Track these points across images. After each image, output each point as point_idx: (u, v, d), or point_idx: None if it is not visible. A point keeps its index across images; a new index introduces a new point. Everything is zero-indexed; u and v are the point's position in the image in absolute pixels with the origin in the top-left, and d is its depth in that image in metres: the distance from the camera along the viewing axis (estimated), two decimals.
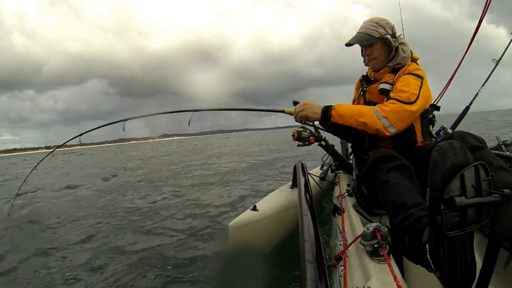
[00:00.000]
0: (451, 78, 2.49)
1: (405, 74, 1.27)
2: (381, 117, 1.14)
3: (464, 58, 2.46)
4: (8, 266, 2.12)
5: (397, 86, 1.23)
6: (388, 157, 1.07)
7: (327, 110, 1.22)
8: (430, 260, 0.65)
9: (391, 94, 1.21)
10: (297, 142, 1.41)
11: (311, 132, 1.42)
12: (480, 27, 2.26)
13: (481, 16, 2.18)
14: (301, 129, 1.40)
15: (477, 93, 2.26)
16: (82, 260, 2.12)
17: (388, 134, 1.16)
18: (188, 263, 1.93)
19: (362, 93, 1.41)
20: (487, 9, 2.12)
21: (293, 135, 1.40)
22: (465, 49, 2.44)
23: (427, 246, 0.66)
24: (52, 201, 4.58)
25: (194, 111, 1.80)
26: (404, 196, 0.89)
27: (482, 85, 2.27)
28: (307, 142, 1.41)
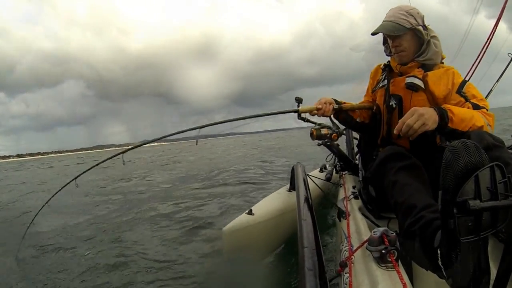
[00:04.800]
0: (469, 77, 2.42)
1: (468, 83, 1.20)
2: (488, 125, 1.06)
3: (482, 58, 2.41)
4: None
5: (474, 94, 1.16)
6: (398, 156, 1.02)
7: (443, 115, 1.05)
8: (442, 267, 0.63)
9: (477, 102, 1.14)
10: (317, 141, 1.38)
11: (330, 128, 1.38)
12: (480, 22, 2.22)
13: (500, 14, 2.14)
14: (317, 126, 1.36)
15: (491, 89, 2.22)
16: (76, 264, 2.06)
17: None
18: (181, 268, 1.89)
19: (385, 84, 1.31)
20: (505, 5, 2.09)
21: (311, 134, 1.37)
22: (482, 48, 2.39)
23: (439, 251, 0.63)
24: None
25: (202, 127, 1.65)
26: (415, 198, 0.85)
27: (497, 81, 2.24)
28: (328, 140, 1.37)
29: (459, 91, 1.16)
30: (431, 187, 0.98)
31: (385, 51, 1.40)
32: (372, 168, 1.13)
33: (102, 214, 3.67)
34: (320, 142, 1.38)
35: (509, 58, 2.16)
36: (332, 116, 1.40)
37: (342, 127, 1.48)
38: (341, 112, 1.40)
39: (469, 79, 2.36)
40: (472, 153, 0.55)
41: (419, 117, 0.95)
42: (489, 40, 2.28)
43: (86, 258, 2.19)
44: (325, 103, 1.34)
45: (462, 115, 1.03)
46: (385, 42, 1.37)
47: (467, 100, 1.14)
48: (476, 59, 2.37)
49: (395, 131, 0.98)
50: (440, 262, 0.63)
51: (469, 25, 2.23)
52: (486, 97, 2.17)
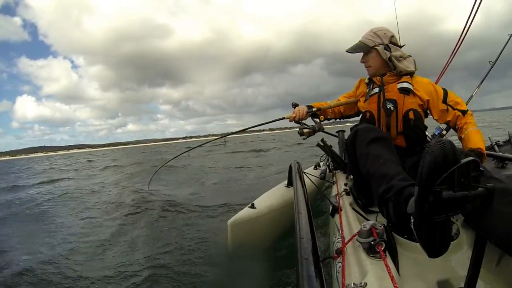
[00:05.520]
0: (439, 77, 2.47)
1: (448, 91, 1.36)
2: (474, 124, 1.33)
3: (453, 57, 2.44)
4: None
5: (456, 101, 1.35)
6: (369, 129, 1.15)
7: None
8: (414, 231, 0.71)
9: (462, 108, 1.34)
10: (303, 136, 1.63)
11: (309, 127, 1.62)
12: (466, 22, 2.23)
13: (470, 13, 2.16)
14: (301, 127, 1.62)
15: (472, 95, 2.27)
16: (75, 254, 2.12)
17: None
18: (189, 258, 1.96)
19: (377, 92, 1.42)
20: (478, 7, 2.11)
21: (298, 132, 1.63)
22: (454, 46, 2.42)
23: (412, 219, 0.71)
24: None
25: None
26: (385, 167, 0.94)
27: (477, 87, 2.28)
28: (306, 136, 1.64)
29: (444, 101, 1.33)
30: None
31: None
32: (347, 140, 1.26)
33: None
34: (305, 137, 1.63)
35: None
36: (311, 118, 1.66)
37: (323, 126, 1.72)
38: (316, 115, 1.67)
39: (440, 77, 2.46)
40: (448, 152, 0.61)
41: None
42: (458, 44, 2.30)
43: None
44: (298, 110, 1.61)
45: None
46: None
47: (453, 108, 1.32)
48: (447, 62, 2.43)
49: None
50: (412, 226, 0.71)
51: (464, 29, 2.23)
52: (468, 101, 2.26)
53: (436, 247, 0.69)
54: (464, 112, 1.34)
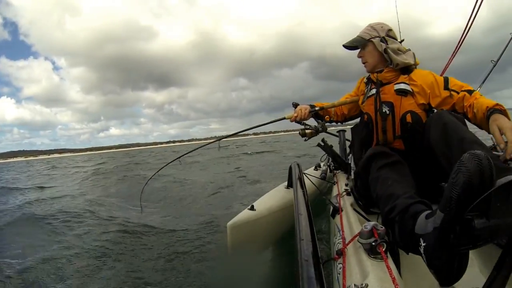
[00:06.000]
0: (442, 73, 2.45)
1: (450, 77, 1.26)
2: None
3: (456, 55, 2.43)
4: None
5: (460, 85, 1.21)
6: (382, 154, 1.10)
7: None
8: (423, 255, 0.66)
9: (469, 88, 1.19)
10: (305, 138, 1.61)
11: (311, 128, 1.59)
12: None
13: (473, 10, 2.14)
14: (303, 127, 1.59)
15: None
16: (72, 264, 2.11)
17: None
18: (188, 260, 1.96)
19: (374, 93, 1.36)
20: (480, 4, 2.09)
21: (299, 133, 1.60)
22: (456, 44, 2.40)
23: (422, 241, 0.66)
24: None
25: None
26: (392, 188, 0.91)
27: (479, 86, 2.26)
28: (308, 136, 1.60)
29: (446, 87, 1.22)
30: (421, 182, 1.05)
31: None
32: (359, 166, 1.20)
33: None
34: (307, 138, 1.60)
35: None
36: (313, 118, 1.61)
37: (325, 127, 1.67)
38: (318, 115, 1.61)
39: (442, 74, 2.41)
40: (485, 170, 0.49)
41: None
42: (461, 39, 2.28)
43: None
44: (300, 109, 1.54)
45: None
46: None
47: (457, 92, 1.19)
48: (451, 56, 2.41)
49: (507, 156, 0.87)
50: (421, 250, 0.66)
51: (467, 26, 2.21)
52: None
53: (451, 277, 0.61)
54: (470, 92, 1.17)
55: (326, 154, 2.18)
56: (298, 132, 1.62)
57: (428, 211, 0.73)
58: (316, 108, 1.58)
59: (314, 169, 2.51)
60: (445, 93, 1.21)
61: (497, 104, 1.03)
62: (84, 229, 2.98)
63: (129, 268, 1.93)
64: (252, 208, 1.48)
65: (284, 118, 1.64)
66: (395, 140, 1.29)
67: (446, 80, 1.24)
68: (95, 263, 2.06)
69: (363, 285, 0.66)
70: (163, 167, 2.22)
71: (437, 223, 0.57)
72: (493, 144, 2.19)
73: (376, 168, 1.05)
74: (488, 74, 2.24)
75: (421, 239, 0.66)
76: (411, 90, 1.27)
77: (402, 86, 1.28)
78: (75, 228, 3.06)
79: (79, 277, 1.86)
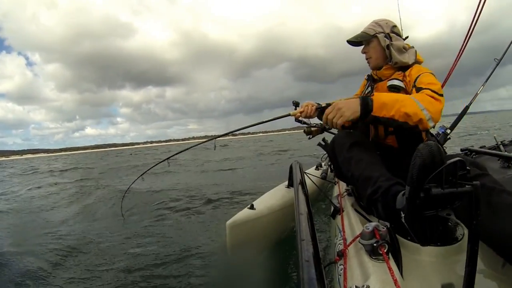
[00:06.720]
0: (448, 75, 2.43)
1: (424, 73, 1.21)
2: (423, 108, 1.02)
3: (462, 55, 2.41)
4: None
5: (423, 80, 1.16)
6: (348, 134, 1.20)
7: (366, 102, 1.04)
8: (405, 223, 0.76)
9: (422, 86, 1.13)
10: (309, 136, 1.60)
11: (317, 126, 1.58)
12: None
13: (477, 9, 2.11)
14: (308, 125, 1.58)
15: (477, 93, 2.23)
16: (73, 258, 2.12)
17: (428, 127, 1.07)
18: (186, 261, 1.94)
19: (369, 90, 1.40)
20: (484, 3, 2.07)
21: (304, 131, 1.59)
22: (461, 45, 2.38)
23: (402, 214, 0.77)
24: None
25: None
26: (370, 170, 1.02)
27: (482, 85, 2.24)
28: (314, 135, 1.60)
29: (414, 84, 1.19)
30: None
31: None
32: (329, 147, 1.28)
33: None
34: (311, 136, 1.60)
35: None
36: (317, 117, 1.56)
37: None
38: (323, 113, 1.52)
39: (448, 76, 2.39)
40: (435, 153, 0.66)
41: (337, 111, 1.08)
42: (467, 39, 2.25)
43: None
44: (306, 105, 1.47)
45: (385, 100, 1.03)
46: None
47: (420, 89, 1.14)
48: (457, 57, 2.38)
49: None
50: (403, 220, 0.77)
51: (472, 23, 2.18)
52: (472, 100, 2.20)
53: (426, 237, 0.79)
54: (418, 90, 1.12)
55: (327, 154, 2.17)
56: (302, 130, 1.60)
57: (404, 190, 0.82)
58: (323, 105, 1.53)
59: (315, 169, 2.50)
60: (414, 90, 1.19)
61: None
62: (84, 229, 2.98)
63: (125, 268, 1.92)
64: (252, 207, 1.48)
65: (289, 115, 1.59)
66: (387, 136, 1.33)
67: (418, 76, 1.20)
68: (95, 263, 2.05)
69: (365, 287, 0.66)
70: (152, 167, 2.17)
71: (406, 194, 0.72)
72: (496, 144, 2.18)
73: (345, 148, 1.13)
74: (492, 72, 2.23)
75: (401, 212, 0.78)
76: (403, 86, 1.28)
77: (395, 82, 1.30)
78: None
79: (78, 277, 1.86)
